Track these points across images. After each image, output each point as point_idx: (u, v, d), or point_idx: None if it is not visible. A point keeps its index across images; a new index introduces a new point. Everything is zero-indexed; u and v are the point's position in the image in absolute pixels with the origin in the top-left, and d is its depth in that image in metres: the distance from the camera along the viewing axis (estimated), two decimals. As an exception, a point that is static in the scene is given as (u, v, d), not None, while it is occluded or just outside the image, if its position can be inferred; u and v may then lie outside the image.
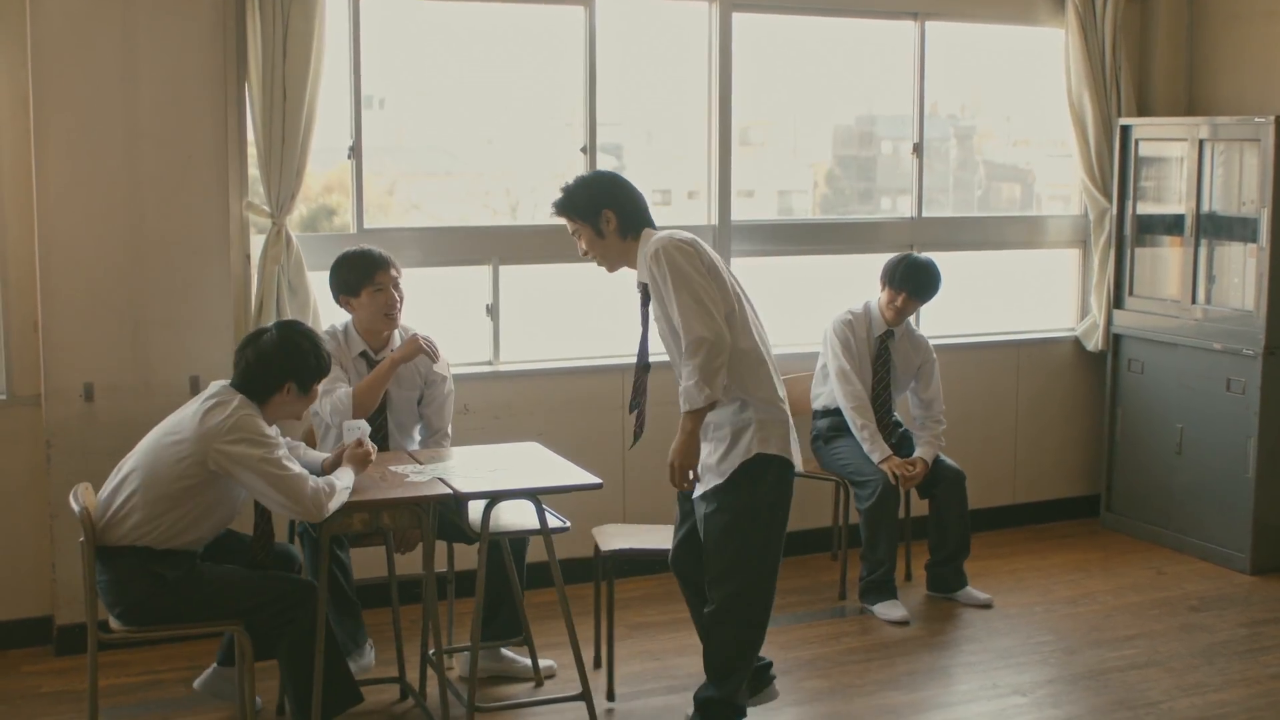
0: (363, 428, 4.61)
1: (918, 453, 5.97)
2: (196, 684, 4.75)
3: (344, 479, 4.33)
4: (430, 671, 4.90)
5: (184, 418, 4.29)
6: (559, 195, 4.49)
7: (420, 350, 5.01)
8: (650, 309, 4.40)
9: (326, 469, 4.50)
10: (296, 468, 4.22)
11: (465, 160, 6.40)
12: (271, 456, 4.17)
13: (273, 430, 4.31)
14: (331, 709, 4.36)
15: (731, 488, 4.33)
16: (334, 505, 4.22)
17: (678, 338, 4.28)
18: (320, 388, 4.53)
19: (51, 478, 5.24)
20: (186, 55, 5.27)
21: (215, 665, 4.73)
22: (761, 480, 4.34)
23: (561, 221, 4.51)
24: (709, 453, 4.38)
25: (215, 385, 4.34)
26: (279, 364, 4.30)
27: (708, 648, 4.50)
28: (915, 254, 6.10)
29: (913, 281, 5.93)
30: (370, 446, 4.52)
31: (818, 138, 7.10)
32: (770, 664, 4.76)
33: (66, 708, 4.84)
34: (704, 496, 4.39)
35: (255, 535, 4.48)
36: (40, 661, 5.29)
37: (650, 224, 4.45)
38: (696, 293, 4.20)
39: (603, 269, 4.54)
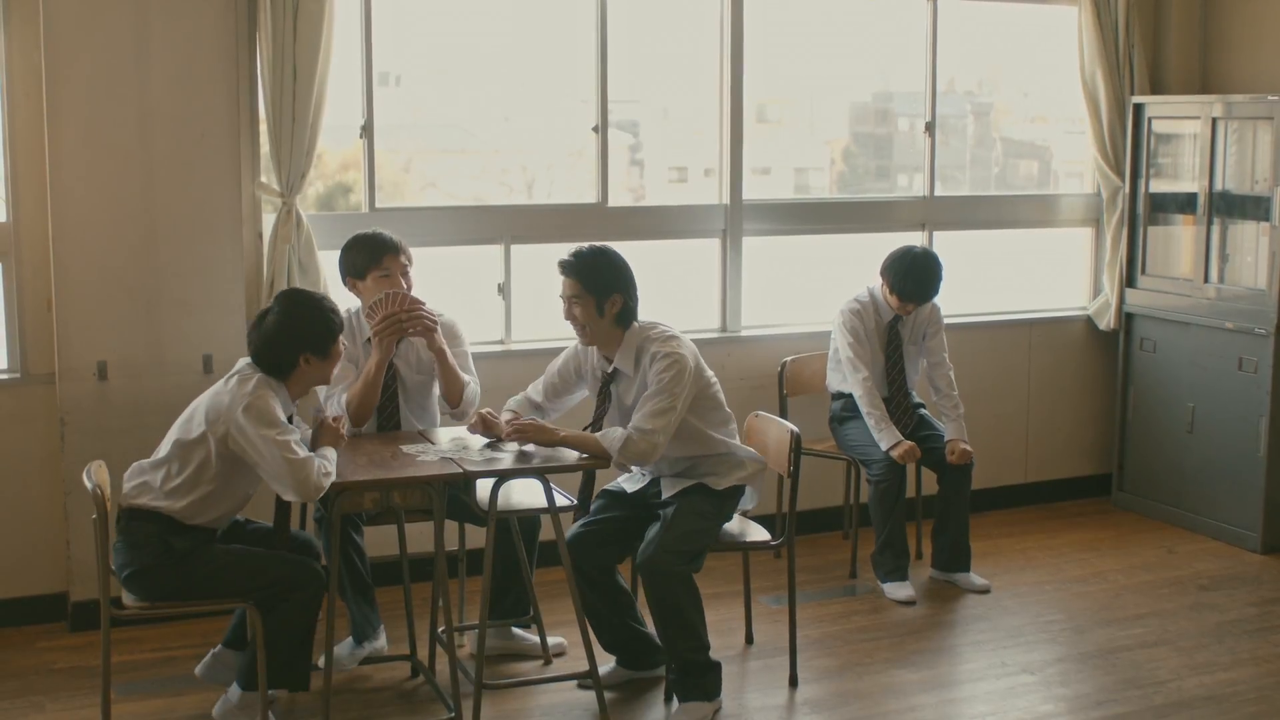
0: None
1: (949, 436, 5.92)
2: (198, 671, 4.70)
3: (329, 456, 4.32)
4: (440, 649, 4.93)
5: (213, 396, 4.31)
6: (572, 257, 4.66)
7: (397, 339, 4.85)
8: (616, 390, 4.70)
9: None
10: (304, 452, 4.21)
11: (482, 137, 6.39)
12: (281, 439, 4.17)
13: (287, 410, 4.32)
14: (277, 681, 4.33)
15: (715, 496, 4.74)
16: (326, 485, 4.23)
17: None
18: (336, 371, 4.55)
19: (65, 456, 5.27)
20: (199, 33, 5.28)
21: (220, 646, 4.69)
22: (733, 500, 4.85)
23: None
24: (692, 465, 4.78)
25: (241, 362, 4.37)
26: (287, 342, 4.31)
27: (662, 630, 4.63)
28: (913, 250, 5.91)
29: (904, 290, 5.84)
30: (338, 421, 4.52)
31: (834, 115, 7.08)
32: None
33: (80, 684, 4.89)
34: (686, 491, 4.70)
35: (276, 522, 4.48)
36: (54, 638, 5.33)
37: (636, 317, 4.70)
38: (677, 406, 4.54)
39: (581, 336, 4.74)
